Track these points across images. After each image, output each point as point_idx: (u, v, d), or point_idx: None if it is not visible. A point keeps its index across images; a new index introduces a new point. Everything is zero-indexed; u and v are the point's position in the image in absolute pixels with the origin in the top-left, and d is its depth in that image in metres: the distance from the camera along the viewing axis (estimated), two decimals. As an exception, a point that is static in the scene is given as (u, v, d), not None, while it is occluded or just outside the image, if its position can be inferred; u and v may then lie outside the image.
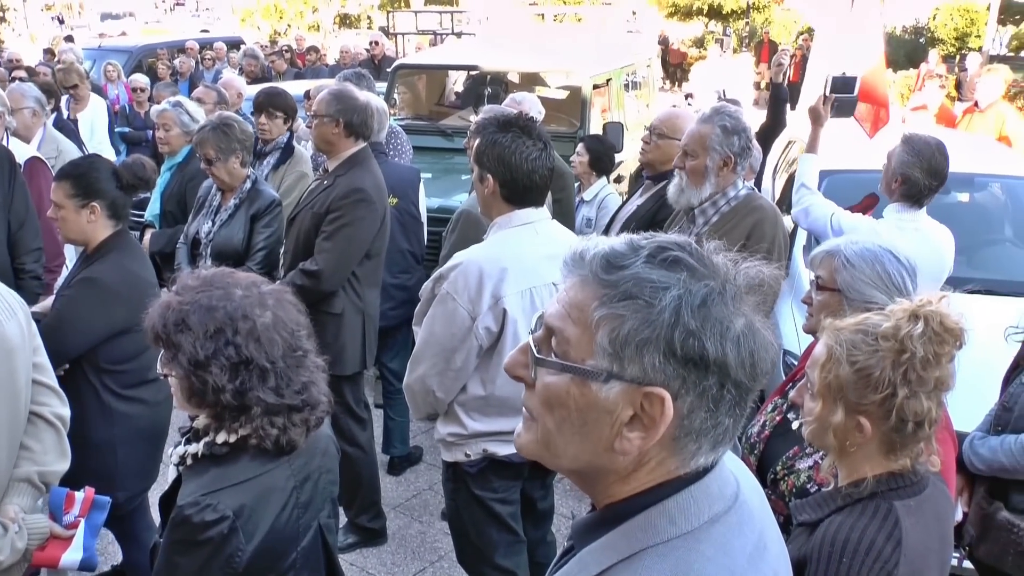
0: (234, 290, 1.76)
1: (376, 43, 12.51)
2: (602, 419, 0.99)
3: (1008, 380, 2.64)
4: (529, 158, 2.59)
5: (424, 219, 4.69)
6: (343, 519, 3.95)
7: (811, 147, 3.95)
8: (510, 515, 2.84)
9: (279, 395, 1.74)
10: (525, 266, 2.60)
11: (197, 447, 1.75)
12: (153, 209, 4.72)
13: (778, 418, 2.21)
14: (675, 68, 22.52)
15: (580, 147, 5.20)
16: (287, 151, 4.82)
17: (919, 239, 3.33)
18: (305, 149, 5.18)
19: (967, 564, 2.79)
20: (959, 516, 2.64)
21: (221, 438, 1.73)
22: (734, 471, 1.09)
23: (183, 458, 1.77)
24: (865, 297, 2.06)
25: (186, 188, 4.52)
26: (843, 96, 4.13)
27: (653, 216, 3.80)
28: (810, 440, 1.73)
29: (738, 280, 0.99)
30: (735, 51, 20.47)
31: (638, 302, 0.96)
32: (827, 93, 4.02)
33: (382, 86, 7.22)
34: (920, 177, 3.37)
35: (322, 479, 1.91)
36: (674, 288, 0.95)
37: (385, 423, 4.62)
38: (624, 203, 4.34)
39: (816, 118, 3.94)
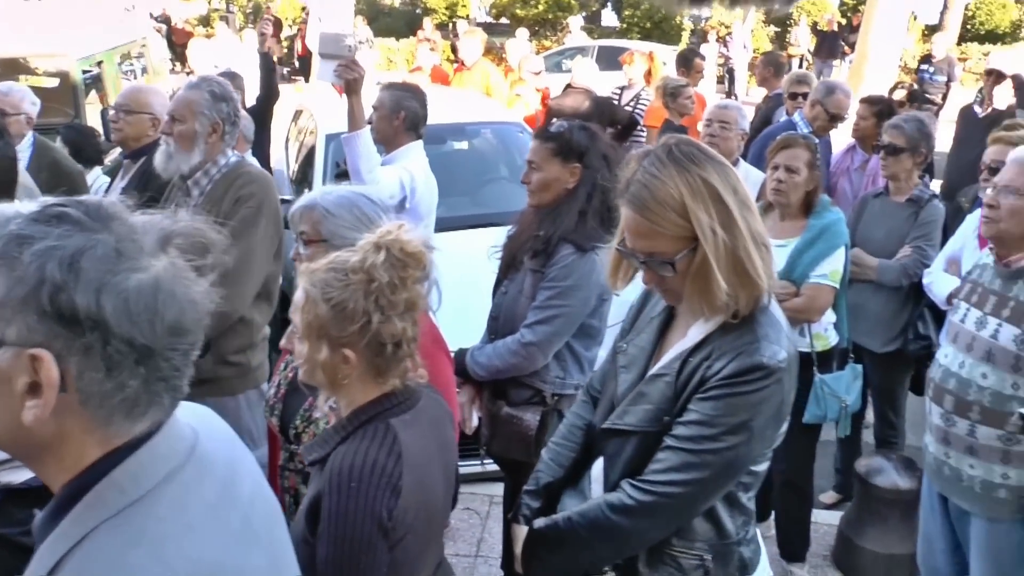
0: None
1: None
2: (3, 390, 0.92)
3: (495, 294, 3.01)
4: None
5: None
6: None
7: None
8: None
9: None
10: None
11: None
12: None
13: (291, 375, 2.22)
14: (182, 48, 21.51)
15: (58, 140, 4.75)
16: None
17: None
18: None
19: (490, 465, 3.17)
20: (475, 422, 2.98)
21: None
22: (193, 424, 1.07)
23: None
24: (350, 241, 2.10)
25: None
26: (332, 56, 3.56)
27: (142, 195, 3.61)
28: (305, 381, 1.76)
29: (145, 236, 0.96)
30: (241, 28, 20.11)
31: (5, 260, 0.90)
32: (320, 52, 3.59)
33: None
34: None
35: None
36: (43, 242, 0.90)
37: None
38: (107, 191, 4.07)
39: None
